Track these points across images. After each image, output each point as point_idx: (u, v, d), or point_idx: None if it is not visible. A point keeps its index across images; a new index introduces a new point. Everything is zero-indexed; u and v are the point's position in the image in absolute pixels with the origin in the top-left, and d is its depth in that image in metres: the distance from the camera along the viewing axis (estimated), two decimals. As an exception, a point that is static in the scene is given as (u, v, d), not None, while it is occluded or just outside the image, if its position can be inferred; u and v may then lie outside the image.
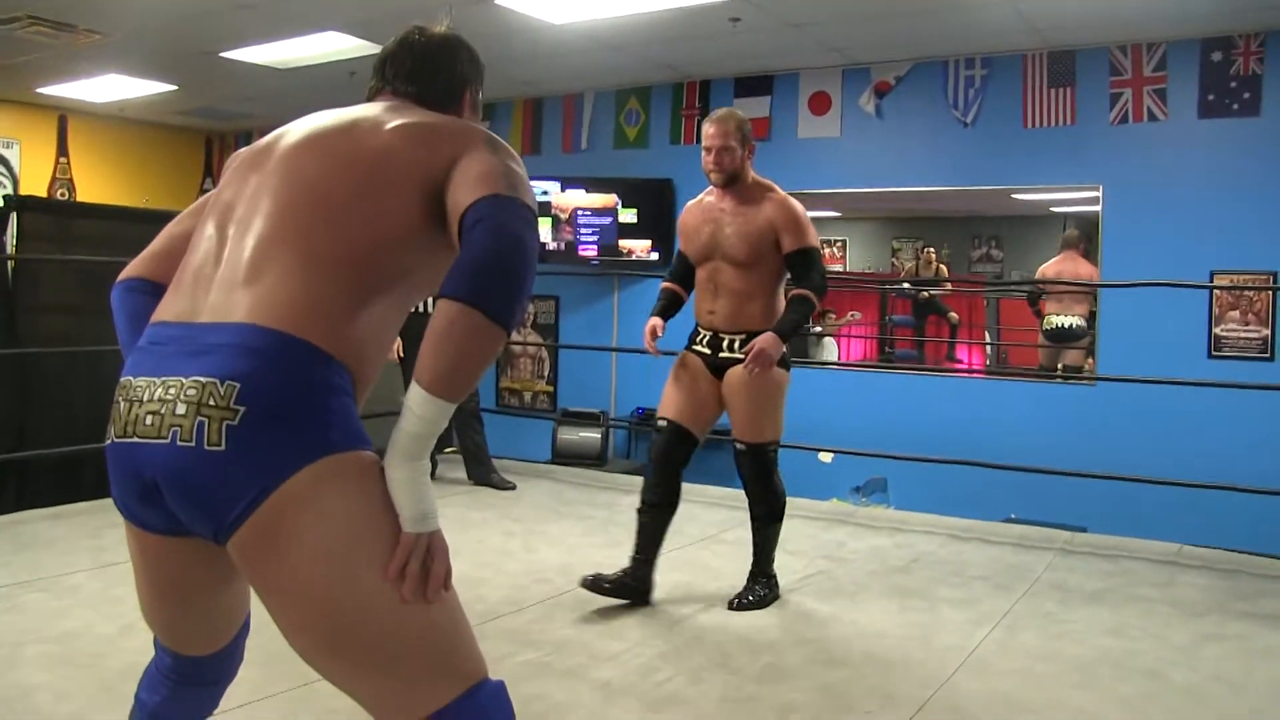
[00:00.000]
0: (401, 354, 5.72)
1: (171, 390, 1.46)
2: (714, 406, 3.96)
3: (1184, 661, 3.41)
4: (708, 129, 3.83)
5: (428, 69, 1.87)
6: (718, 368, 3.91)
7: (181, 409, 1.44)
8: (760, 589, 3.94)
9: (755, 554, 4.00)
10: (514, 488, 6.00)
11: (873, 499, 6.85)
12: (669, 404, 3.96)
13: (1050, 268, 7.43)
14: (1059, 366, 7.45)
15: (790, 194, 3.88)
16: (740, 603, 3.87)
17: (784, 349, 3.76)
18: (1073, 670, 3.31)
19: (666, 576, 4.15)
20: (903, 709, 2.99)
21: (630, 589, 3.81)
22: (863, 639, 3.56)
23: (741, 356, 3.76)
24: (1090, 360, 7.01)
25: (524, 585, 4.11)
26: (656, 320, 4.00)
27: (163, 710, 1.80)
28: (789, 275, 3.89)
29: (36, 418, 5.88)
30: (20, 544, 4.39)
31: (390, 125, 1.68)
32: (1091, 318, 7.18)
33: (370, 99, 1.89)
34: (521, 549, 4.68)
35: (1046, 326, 7.50)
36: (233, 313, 1.49)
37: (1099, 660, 3.40)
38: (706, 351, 3.93)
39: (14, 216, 5.94)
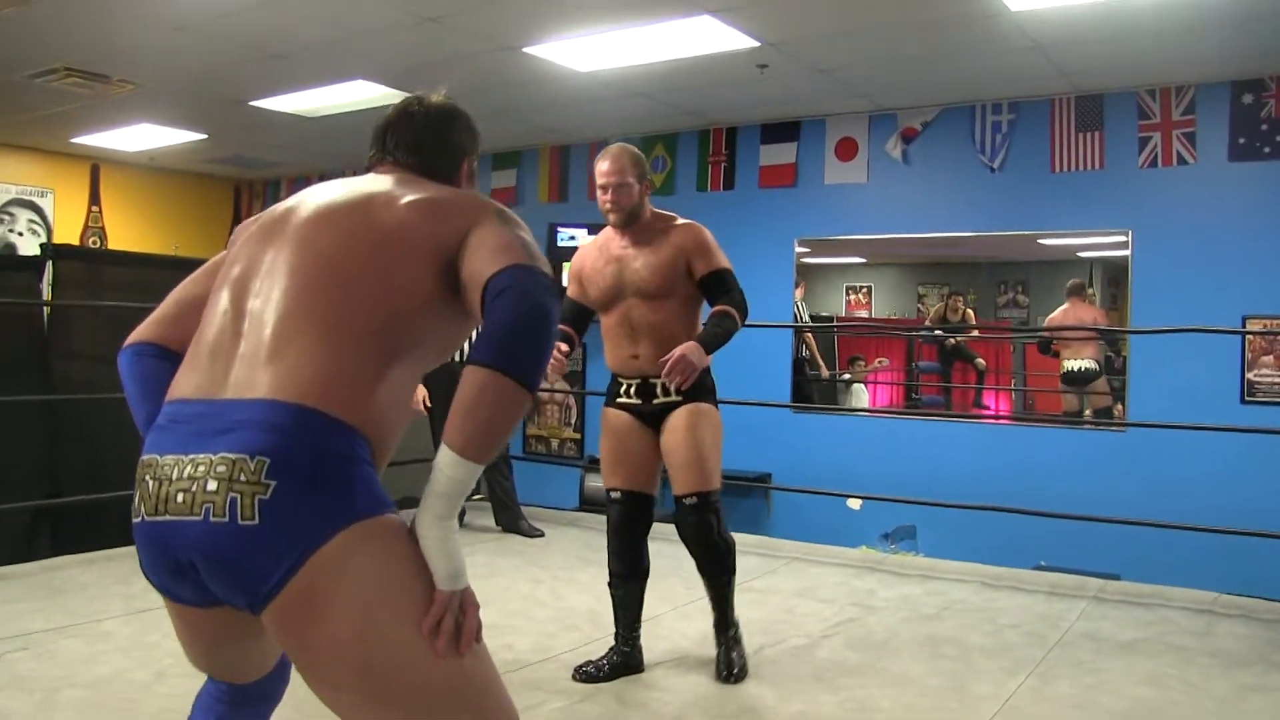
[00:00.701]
0: (429, 404, 5.76)
1: (201, 468, 1.49)
2: (655, 457, 3.65)
3: (1227, 714, 3.34)
4: (600, 166, 3.60)
5: (428, 140, 1.92)
6: (651, 415, 3.62)
7: (213, 485, 1.47)
8: (738, 650, 3.64)
9: (720, 614, 3.66)
10: (542, 535, 5.98)
11: (902, 546, 6.80)
12: (614, 472, 3.67)
13: (1058, 316, 7.45)
14: (1086, 411, 7.42)
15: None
16: (732, 675, 3.55)
17: (708, 363, 3.46)
18: (1110, 721, 3.25)
19: (695, 625, 4.12)
20: (939, 760, 2.95)
21: (623, 667, 3.62)
22: (895, 687, 3.52)
23: (679, 399, 3.53)
24: (1119, 406, 6.96)
25: (553, 633, 4.08)
26: (562, 344, 3.60)
27: None
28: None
29: (67, 464, 5.92)
30: (53, 589, 4.41)
31: (404, 200, 1.72)
32: (1108, 361, 7.18)
33: (370, 168, 1.93)
34: (550, 596, 4.66)
35: (1061, 370, 7.52)
36: (256, 388, 1.53)
37: (1135, 711, 3.34)
38: (636, 401, 3.63)
39: (49, 264, 6.02)
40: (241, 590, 1.49)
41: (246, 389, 1.53)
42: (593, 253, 3.73)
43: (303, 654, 1.52)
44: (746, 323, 3.55)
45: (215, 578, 1.50)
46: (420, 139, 1.91)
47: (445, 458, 1.50)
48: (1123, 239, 6.67)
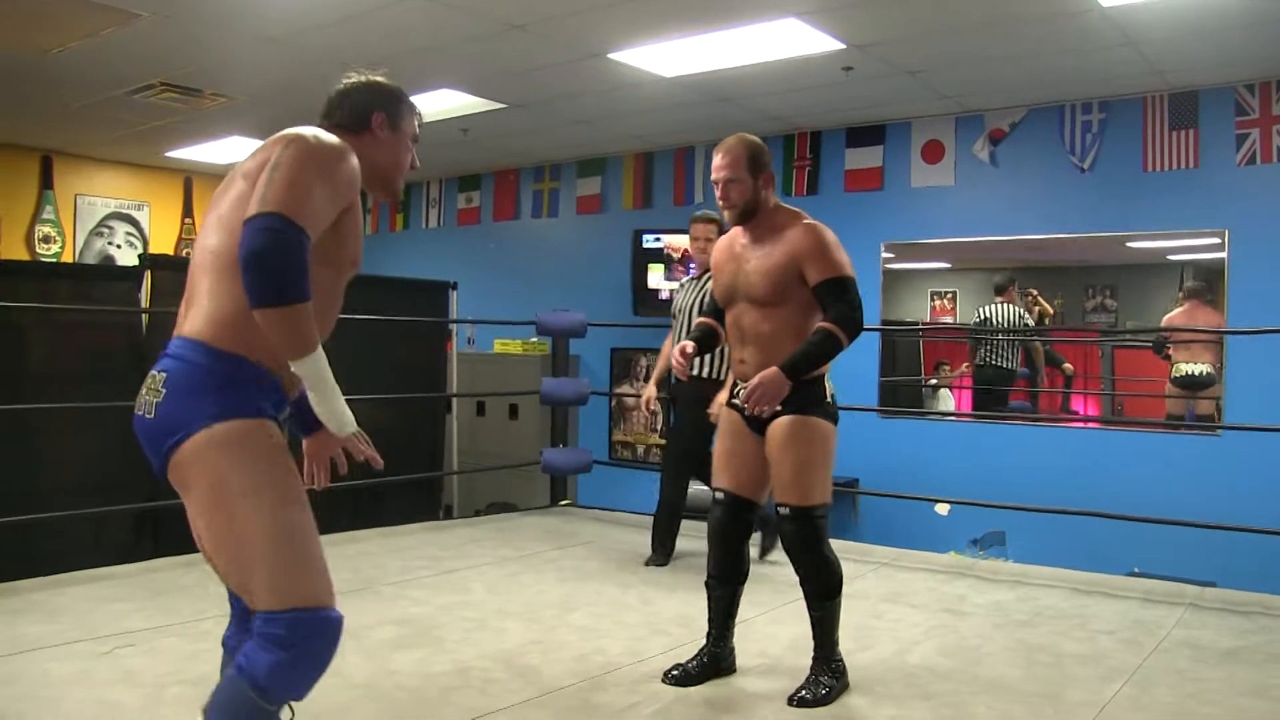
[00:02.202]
0: (652, 407, 6.09)
1: (147, 381, 2.16)
2: (763, 464, 3.51)
3: (1337, 725, 3.24)
4: (715, 160, 3.46)
5: (338, 102, 2.45)
6: (755, 421, 3.47)
7: (144, 392, 2.16)
8: (827, 679, 3.41)
9: (817, 639, 3.48)
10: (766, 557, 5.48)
11: (991, 552, 6.71)
12: (722, 472, 3.59)
13: (1176, 317, 7.26)
14: (1191, 417, 7.23)
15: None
16: (800, 698, 3.35)
17: (791, 387, 3.26)
18: (1214, 731, 3.18)
19: (788, 629, 4.11)
20: (1037, 767, 2.91)
21: (714, 668, 3.59)
22: (990, 693, 3.47)
23: (779, 409, 3.35)
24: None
25: (643, 637, 4.09)
26: (688, 342, 3.55)
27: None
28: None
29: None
30: (156, 590, 4.54)
31: (261, 146, 2.21)
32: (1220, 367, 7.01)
33: None
34: (638, 601, 4.67)
35: (1175, 374, 7.31)
36: (181, 329, 2.17)
37: (1242, 721, 3.26)
38: (742, 405, 3.45)
39: (147, 274, 6.20)
40: (154, 459, 2.15)
41: (179, 329, 2.18)
42: (724, 248, 3.64)
43: (187, 508, 2.15)
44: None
45: (145, 450, 2.17)
46: (336, 103, 2.44)
47: (293, 366, 2.09)
48: (1217, 240, 6.51)
